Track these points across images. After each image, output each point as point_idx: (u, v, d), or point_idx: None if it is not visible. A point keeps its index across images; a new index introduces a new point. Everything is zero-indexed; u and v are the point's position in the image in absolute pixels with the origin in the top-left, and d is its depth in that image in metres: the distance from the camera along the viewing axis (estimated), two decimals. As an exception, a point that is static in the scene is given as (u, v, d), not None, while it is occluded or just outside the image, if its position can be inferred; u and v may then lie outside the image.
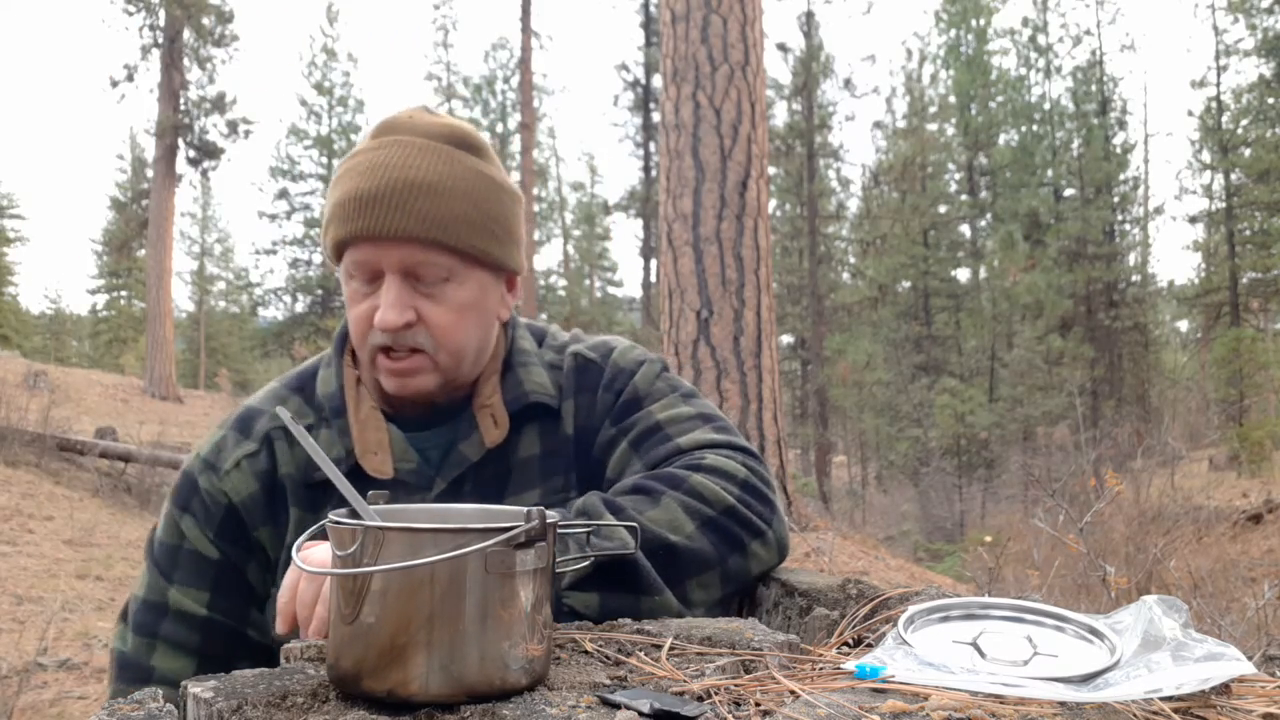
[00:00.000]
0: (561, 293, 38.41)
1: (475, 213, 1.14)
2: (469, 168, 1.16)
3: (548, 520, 0.69)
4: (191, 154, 23.75)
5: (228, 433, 1.24)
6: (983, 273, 25.84)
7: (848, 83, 25.40)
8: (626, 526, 0.97)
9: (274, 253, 33.32)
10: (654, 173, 26.40)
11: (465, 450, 1.20)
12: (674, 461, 1.15)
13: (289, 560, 1.15)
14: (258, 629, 1.22)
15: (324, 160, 33.08)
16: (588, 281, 38.58)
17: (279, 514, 1.21)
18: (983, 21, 28.13)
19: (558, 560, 0.84)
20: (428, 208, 1.11)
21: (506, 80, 33.04)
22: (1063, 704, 0.63)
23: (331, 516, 0.71)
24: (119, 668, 1.21)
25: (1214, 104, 25.71)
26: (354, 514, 0.74)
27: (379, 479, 1.16)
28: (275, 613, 0.98)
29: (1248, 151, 24.66)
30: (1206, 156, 26.73)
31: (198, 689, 0.66)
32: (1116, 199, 28.51)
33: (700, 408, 1.24)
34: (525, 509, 0.69)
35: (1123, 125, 29.57)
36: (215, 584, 1.20)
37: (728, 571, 1.08)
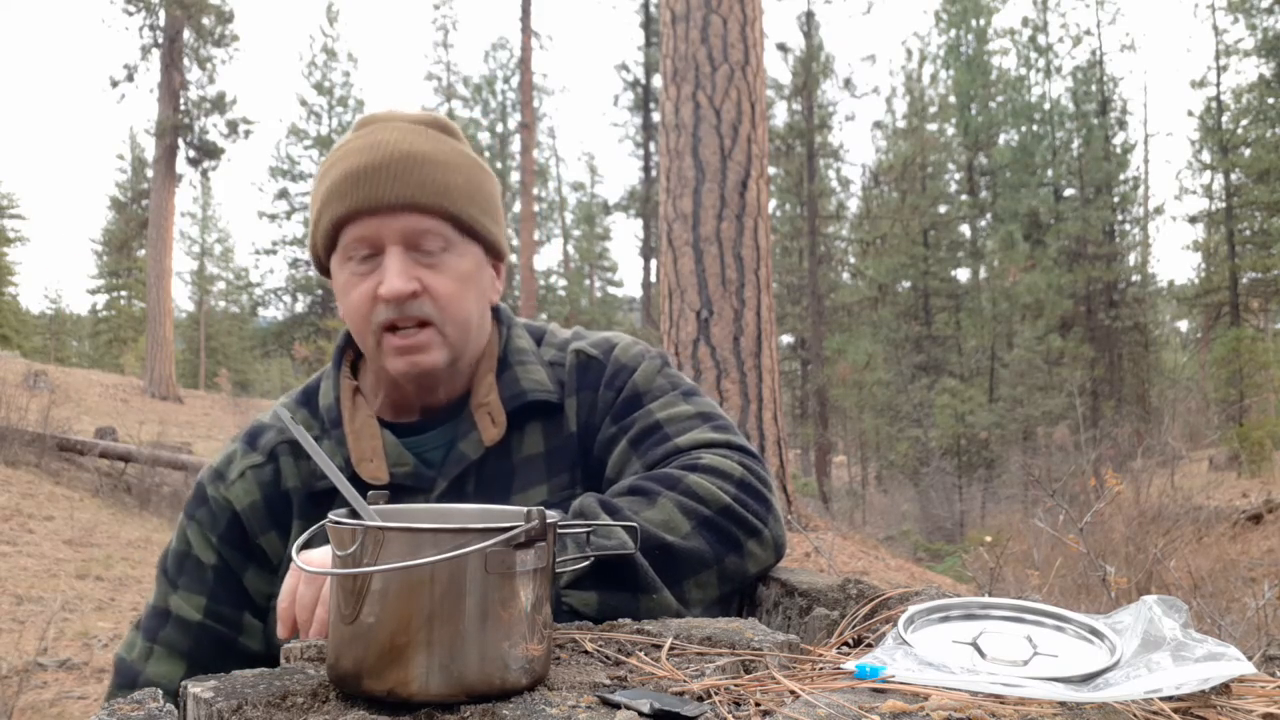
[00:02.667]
0: (561, 293, 38.42)
1: (469, 186, 1.17)
2: (454, 148, 1.19)
3: (548, 520, 0.69)
4: (191, 154, 23.77)
5: (237, 446, 1.27)
6: (983, 273, 25.82)
7: (848, 83, 25.37)
8: (626, 527, 0.97)
9: (274, 253, 33.37)
10: (654, 173, 26.39)
11: (465, 449, 1.20)
12: (671, 461, 1.15)
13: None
14: (253, 636, 1.22)
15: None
16: (588, 281, 38.58)
17: (283, 523, 1.22)
18: (983, 21, 28.11)
19: (557, 560, 0.84)
20: (427, 176, 1.13)
21: (506, 80, 33.07)
22: (1063, 704, 0.63)
23: (331, 516, 0.71)
24: (115, 673, 1.24)
25: (1214, 104, 25.71)
26: (354, 514, 0.74)
27: (377, 485, 1.16)
28: (276, 619, 0.99)
29: (1248, 151, 24.67)
30: (1206, 156, 26.74)
31: (198, 689, 0.66)
32: (1116, 199, 28.49)
33: (700, 406, 1.24)
34: (525, 509, 0.69)
35: (1123, 125, 29.56)
36: (213, 589, 1.22)
37: (725, 571, 1.08)
